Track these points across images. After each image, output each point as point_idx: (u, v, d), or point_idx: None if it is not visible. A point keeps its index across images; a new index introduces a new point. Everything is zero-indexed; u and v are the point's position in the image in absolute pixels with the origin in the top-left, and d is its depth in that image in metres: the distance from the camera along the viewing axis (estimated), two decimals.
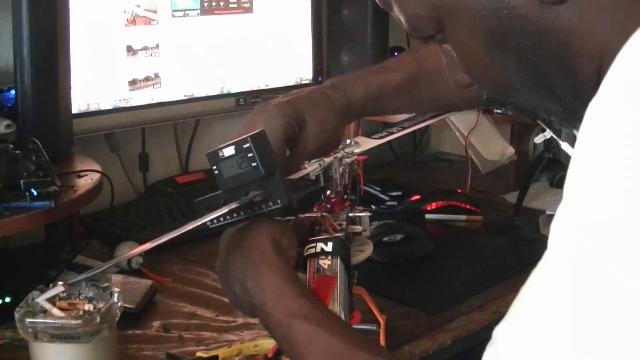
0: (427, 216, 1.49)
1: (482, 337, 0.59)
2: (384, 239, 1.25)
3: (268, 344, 0.94)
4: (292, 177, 0.86)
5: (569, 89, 0.63)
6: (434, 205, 1.49)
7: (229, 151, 0.79)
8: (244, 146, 0.78)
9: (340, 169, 0.92)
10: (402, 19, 0.69)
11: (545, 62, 0.62)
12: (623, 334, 0.49)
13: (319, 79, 1.77)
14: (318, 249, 0.83)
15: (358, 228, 0.93)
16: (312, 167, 0.87)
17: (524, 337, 0.53)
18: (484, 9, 0.62)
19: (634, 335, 0.48)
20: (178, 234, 0.77)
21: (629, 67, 0.53)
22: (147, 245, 0.77)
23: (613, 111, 0.52)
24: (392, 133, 0.97)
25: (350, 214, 0.93)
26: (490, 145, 1.68)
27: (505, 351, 0.55)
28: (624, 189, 0.49)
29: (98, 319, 0.85)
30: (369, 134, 0.96)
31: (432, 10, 0.65)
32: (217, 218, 0.80)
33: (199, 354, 0.97)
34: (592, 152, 0.52)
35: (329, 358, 0.71)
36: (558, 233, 0.53)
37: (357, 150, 0.92)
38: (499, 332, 0.56)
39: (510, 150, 1.69)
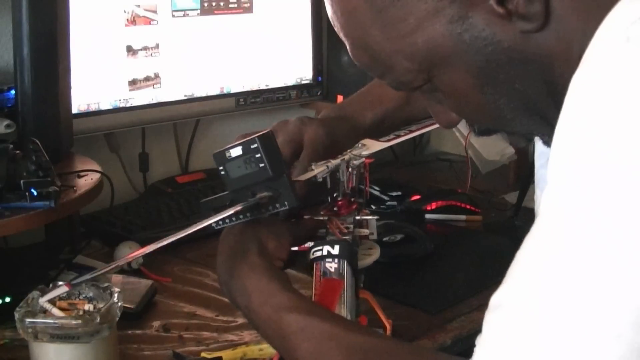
0: (427, 216, 1.48)
1: None
2: (384, 239, 1.25)
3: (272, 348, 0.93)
4: (299, 178, 0.86)
5: (557, 110, 0.64)
6: (434, 205, 1.49)
7: (236, 151, 0.79)
8: (252, 147, 0.78)
9: (348, 172, 0.92)
10: (389, 77, 0.70)
11: (532, 88, 0.65)
12: (625, 282, 0.50)
13: (319, 79, 1.77)
14: (325, 252, 0.83)
15: (365, 231, 0.93)
16: (319, 169, 0.87)
17: (529, 299, 0.54)
18: (470, 50, 0.64)
19: (635, 284, 0.50)
20: (183, 235, 0.77)
21: (607, 42, 0.56)
22: (150, 247, 0.77)
23: (594, 82, 0.55)
24: (399, 136, 0.98)
25: (358, 217, 0.92)
26: (490, 145, 1.68)
27: (511, 315, 0.55)
28: (612, 153, 0.52)
29: (98, 319, 0.85)
30: (376, 137, 0.97)
31: (421, 63, 0.67)
32: (223, 219, 0.80)
33: (203, 354, 0.97)
34: (578, 122, 0.55)
35: (323, 343, 0.71)
36: (550, 198, 0.55)
37: (364, 153, 0.92)
38: (500, 297, 0.57)
39: (510, 150, 1.69)
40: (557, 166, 0.55)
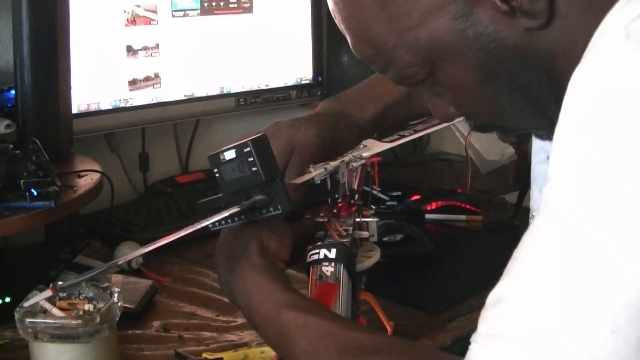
0: (427, 216, 1.48)
1: None
2: (384, 239, 1.25)
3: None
4: (295, 181, 0.86)
5: (557, 105, 0.65)
6: (434, 205, 1.49)
7: (229, 154, 0.79)
8: (245, 150, 0.78)
9: (350, 173, 0.91)
10: (391, 70, 0.70)
11: (535, 84, 0.66)
12: (623, 277, 0.51)
13: (319, 79, 1.77)
14: (321, 255, 0.82)
15: (365, 234, 0.92)
16: (317, 172, 0.86)
17: (529, 294, 0.54)
18: (473, 45, 0.64)
19: (632, 279, 0.50)
20: (179, 236, 0.76)
21: (607, 39, 0.57)
22: (148, 248, 0.77)
23: (594, 79, 0.55)
24: (403, 136, 0.97)
25: (358, 219, 0.92)
26: (490, 145, 1.68)
27: (510, 310, 0.55)
28: (610, 150, 0.52)
29: (98, 319, 0.85)
30: (378, 137, 0.96)
31: (424, 57, 0.67)
32: (219, 221, 0.80)
33: (205, 354, 0.97)
34: (578, 120, 0.55)
35: (321, 340, 0.71)
36: (550, 194, 0.55)
37: (365, 154, 0.92)
38: (499, 293, 0.57)
39: (510, 150, 1.69)
40: (556, 163, 0.56)
